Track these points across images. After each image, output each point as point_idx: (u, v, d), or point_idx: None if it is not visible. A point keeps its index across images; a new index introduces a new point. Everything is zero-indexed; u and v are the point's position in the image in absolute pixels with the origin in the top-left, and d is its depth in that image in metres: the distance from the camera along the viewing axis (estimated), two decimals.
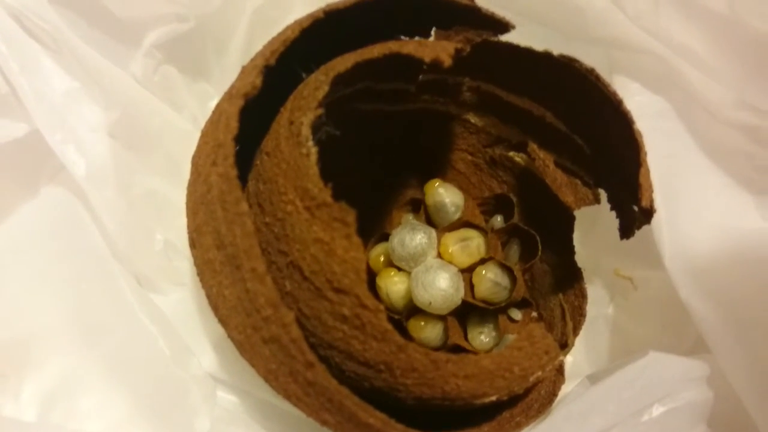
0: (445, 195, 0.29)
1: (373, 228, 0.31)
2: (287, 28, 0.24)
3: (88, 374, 0.27)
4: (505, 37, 0.27)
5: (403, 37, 0.28)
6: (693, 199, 0.27)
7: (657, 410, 0.22)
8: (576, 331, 0.27)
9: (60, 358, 0.27)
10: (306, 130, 0.22)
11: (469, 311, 0.29)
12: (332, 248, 0.21)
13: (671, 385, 0.22)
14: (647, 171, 0.24)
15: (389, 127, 0.31)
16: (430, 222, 0.30)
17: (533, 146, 0.30)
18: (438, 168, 0.32)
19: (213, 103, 0.31)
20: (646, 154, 0.24)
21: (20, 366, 0.27)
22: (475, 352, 0.28)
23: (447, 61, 0.22)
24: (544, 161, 0.30)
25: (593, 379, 0.26)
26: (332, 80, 0.23)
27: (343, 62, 0.23)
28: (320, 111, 0.22)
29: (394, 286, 0.27)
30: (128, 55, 0.28)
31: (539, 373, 0.23)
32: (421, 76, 0.29)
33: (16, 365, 0.27)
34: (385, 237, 0.31)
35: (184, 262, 0.29)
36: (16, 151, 0.27)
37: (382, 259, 0.29)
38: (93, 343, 0.27)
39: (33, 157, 0.28)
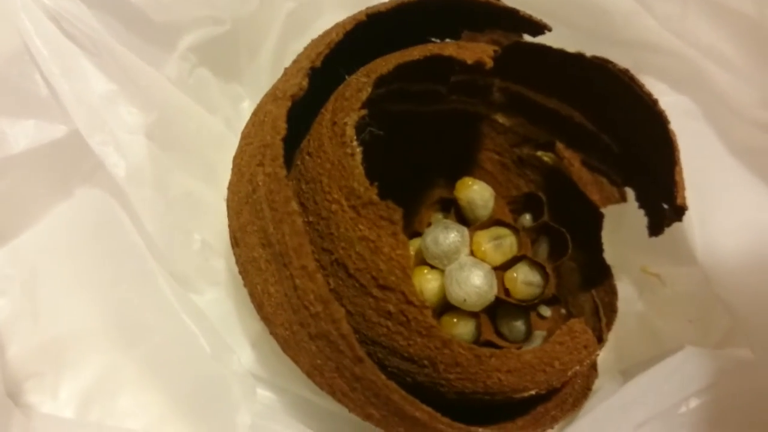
0: (480, 192, 0.30)
1: (403, 226, 0.32)
2: (331, 30, 0.24)
3: (127, 372, 0.27)
4: (530, 39, 0.28)
5: (433, 38, 0.29)
6: (721, 196, 0.28)
7: (693, 402, 0.23)
8: (609, 326, 0.28)
9: (99, 357, 0.28)
10: (350, 131, 0.22)
11: (500, 308, 0.29)
12: (378, 246, 0.21)
13: (707, 378, 0.23)
14: (681, 170, 0.24)
15: (418, 127, 0.31)
16: (460, 220, 0.31)
17: (560, 145, 0.30)
18: (465, 167, 0.33)
19: (244, 105, 0.32)
20: (680, 153, 0.24)
21: (59, 364, 0.28)
22: (507, 348, 0.28)
23: (489, 63, 0.23)
24: (570, 160, 0.30)
25: (625, 373, 0.27)
26: (374, 82, 0.23)
27: (385, 64, 0.24)
28: (364, 112, 0.23)
29: (427, 283, 0.28)
30: (164, 58, 0.29)
31: (577, 367, 0.24)
32: (452, 78, 0.29)
33: (55, 364, 0.28)
34: (414, 234, 0.31)
35: (220, 262, 0.29)
36: (54, 151, 0.28)
37: (413, 255, 0.30)
38: (132, 341, 0.28)
39: (70, 158, 0.28)
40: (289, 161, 0.26)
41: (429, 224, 0.32)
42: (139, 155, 0.27)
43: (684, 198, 0.24)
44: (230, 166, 0.25)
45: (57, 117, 0.27)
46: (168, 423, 0.27)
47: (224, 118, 0.31)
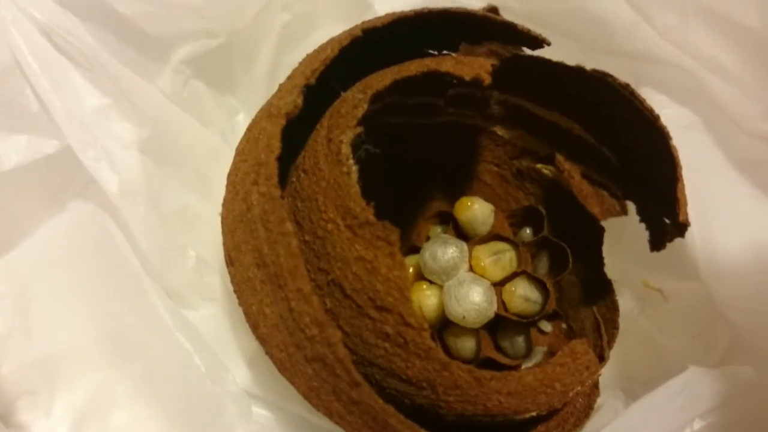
0: (480, 210, 0.29)
1: (401, 241, 0.31)
2: (326, 46, 0.24)
3: (121, 391, 0.27)
4: (529, 51, 0.27)
5: (430, 50, 0.28)
6: (723, 210, 0.27)
7: (698, 425, 0.22)
8: (610, 344, 0.27)
9: (92, 375, 0.27)
10: (346, 149, 0.22)
11: (500, 324, 0.29)
12: (375, 267, 0.21)
13: (711, 399, 0.22)
14: (683, 186, 0.24)
15: (416, 140, 0.31)
16: (459, 234, 0.30)
17: (560, 158, 0.30)
18: (464, 180, 0.32)
19: (240, 117, 0.32)
20: (682, 169, 0.24)
21: (51, 383, 0.27)
22: (508, 366, 0.28)
23: (487, 79, 0.23)
24: (570, 172, 0.30)
25: (627, 391, 0.27)
26: (370, 98, 0.23)
27: (381, 80, 0.23)
28: (359, 129, 0.22)
29: (426, 299, 0.27)
30: (158, 71, 0.28)
31: (578, 388, 0.23)
32: (450, 90, 0.29)
33: (48, 382, 0.27)
34: (413, 249, 0.31)
35: (215, 278, 0.29)
36: (46, 167, 0.27)
37: (411, 271, 0.29)
38: (126, 359, 0.27)
39: (62, 173, 0.28)
40: (285, 176, 0.25)
41: (427, 238, 0.31)
42: (133, 170, 0.27)
43: (686, 215, 0.24)
44: (225, 179, 0.25)
45: (49, 132, 0.27)
46: None
47: (219, 130, 0.31)
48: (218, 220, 0.26)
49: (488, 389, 0.22)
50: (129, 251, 0.27)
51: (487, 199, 0.31)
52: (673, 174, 0.24)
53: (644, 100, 0.24)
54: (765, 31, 0.26)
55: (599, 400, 0.27)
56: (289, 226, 0.20)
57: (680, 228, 0.24)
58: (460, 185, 0.32)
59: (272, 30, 0.31)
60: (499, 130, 0.31)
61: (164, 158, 0.28)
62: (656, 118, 0.24)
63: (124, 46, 0.27)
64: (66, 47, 0.26)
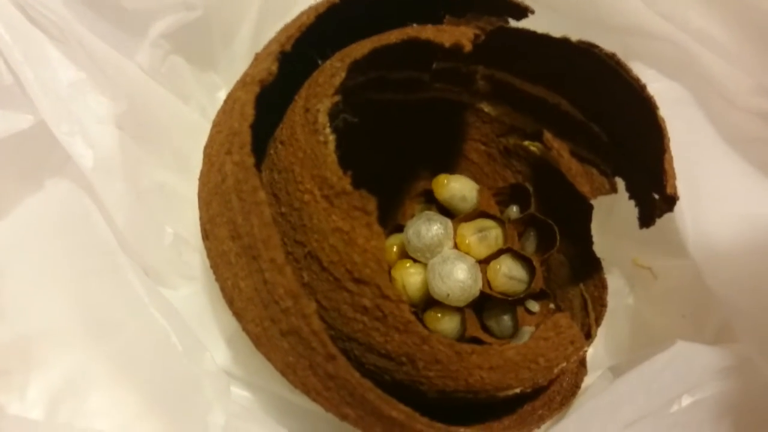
0: (458, 188, 0.29)
1: (386, 219, 0.31)
2: (303, 13, 0.23)
3: (97, 371, 0.26)
4: (515, 24, 0.27)
5: (415, 24, 0.28)
6: (713, 186, 0.27)
7: (686, 401, 0.22)
8: (598, 321, 0.27)
9: (68, 355, 0.27)
10: (323, 118, 0.21)
11: (486, 303, 0.28)
12: (352, 237, 0.20)
13: (699, 375, 0.22)
14: (671, 158, 0.23)
15: (401, 117, 0.30)
16: (444, 212, 0.30)
17: (548, 135, 0.29)
18: (450, 158, 0.32)
19: (221, 94, 0.31)
20: (669, 140, 0.23)
21: (26, 363, 0.26)
22: (492, 344, 0.27)
23: (467, 46, 0.22)
24: (559, 150, 0.29)
25: (615, 370, 0.26)
26: (348, 67, 0.22)
27: (360, 48, 0.23)
28: (337, 98, 0.22)
29: (410, 277, 0.27)
30: (135, 45, 0.28)
31: (564, 364, 0.23)
32: (434, 65, 0.28)
33: (23, 362, 0.26)
34: (398, 228, 0.30)
35: (194, 256, 0.28)
36: (21, 143, 0.26)
37: (395, 249, 0.29)
38: (102, 339, 0.26)
39: (38, 149, 0.27)
40: (265, 151, 0.25)
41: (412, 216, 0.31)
42: (109, 146, 0.26)
43: (674, 187, 0.23)
44: None
45: (23, 107, 0.26)
46: (139, 423, 0.25)
47: (199, 107, 0.30)
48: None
49: (469, 364, 0.21)
50: (105, 228, 0.26)
51: (474, 178, 0.31)
52: (660, 145, 0.23)
53: (630, 70, 0.24)
54: (755, 3, 0.25)
55: (587, 380, 0.26)
56: (262, 195, 0.19)
57: (669, 202, 0.24)
58: (447, 164, 0.32)
59: (252, 4, 0.30)
60: (486, 107, 0.30)
61: (142, 134, 0.27)
62: (642, 87, 0.23)
63: (100, 20, 0.27)
64: (40, 20, 0.26)
